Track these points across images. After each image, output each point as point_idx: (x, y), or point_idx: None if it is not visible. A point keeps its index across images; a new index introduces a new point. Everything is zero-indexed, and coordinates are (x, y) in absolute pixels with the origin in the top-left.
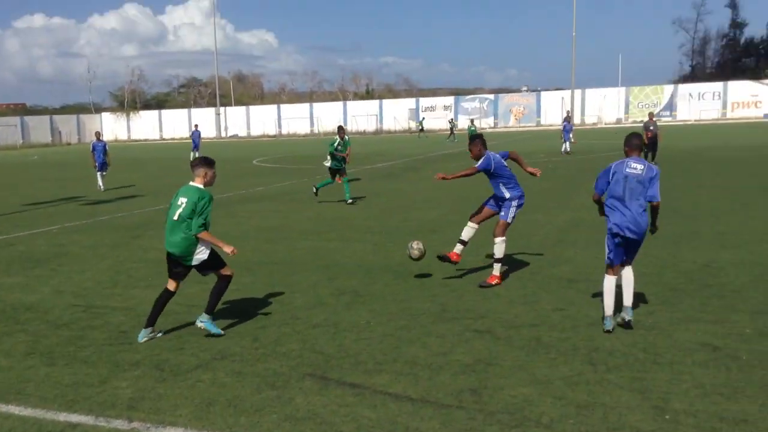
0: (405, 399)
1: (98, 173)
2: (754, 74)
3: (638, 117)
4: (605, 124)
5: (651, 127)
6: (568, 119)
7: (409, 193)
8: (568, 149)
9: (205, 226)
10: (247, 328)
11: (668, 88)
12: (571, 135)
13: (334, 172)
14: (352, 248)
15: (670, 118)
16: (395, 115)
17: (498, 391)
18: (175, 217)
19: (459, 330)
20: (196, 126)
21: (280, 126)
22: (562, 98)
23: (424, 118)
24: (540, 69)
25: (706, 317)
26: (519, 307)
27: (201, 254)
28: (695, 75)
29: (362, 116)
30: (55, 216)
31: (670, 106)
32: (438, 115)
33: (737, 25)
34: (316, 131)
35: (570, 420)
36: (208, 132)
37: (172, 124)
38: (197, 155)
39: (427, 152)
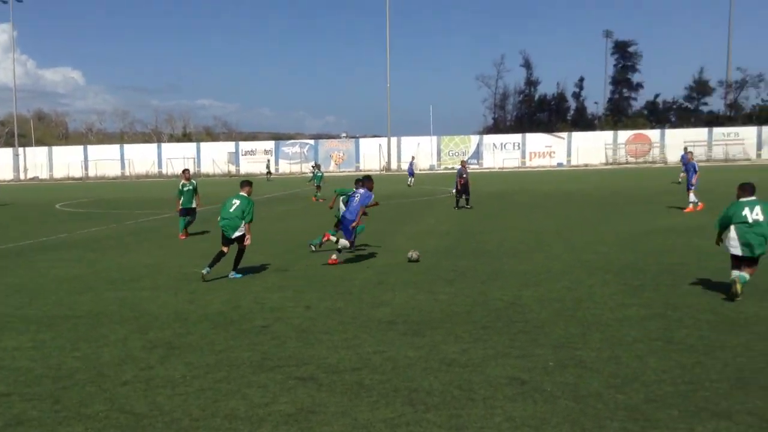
0: None
1: None
2: (548, 127)
3: (449, 164)
4: (420, 170)
5: (464, 174)
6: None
7: None
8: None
9: (251, 220)
10: (46, 389)
11: (475, 138)
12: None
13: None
14: (165, 297)
15: (477, 166)
16: (214, 158)
17: None
18: (232, 210)
19: (281, 378)
20: None
21: (86, 168)
22: (380, 145)
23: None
24: (358, 116)
25: (514, 352)
26: (341, 352)
27: (238, 233)
28: (498, 127)
29: (178, 159)
30: None
31: (477, 155)
32: (258, 159)
33: (531, 83)
34: (127, 174)
35: None
36: (4, 174)
37: None
38: None
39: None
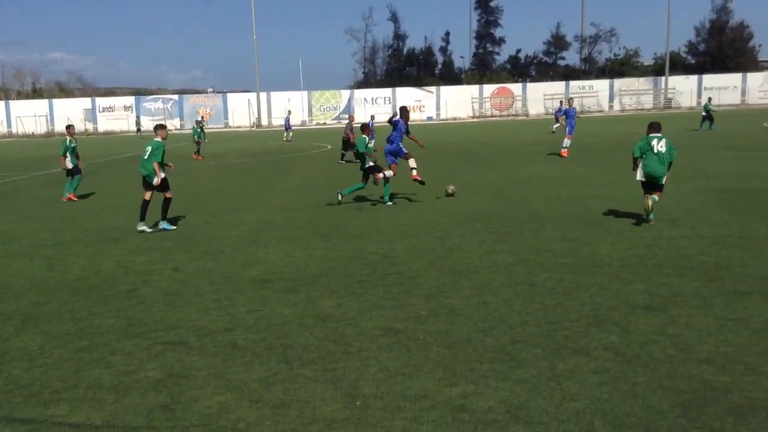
0: (88, 427)
1: None
2: (417, 82)
3: (321, 119)
4: (292, 125)
5: (350, 130)
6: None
7: (90, 200)
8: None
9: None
10: None
11: (346, 93)
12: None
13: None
14: (19, 265)
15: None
16: (69, 115)
17: (192, 404)
18: (146, 157)
19: (148, 344)
20: None
21: None
22: (249, 100)
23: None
24: (225, 71)
25: (388, 304)
26: (213, 313)
27: (156, 180)
28: (368, 81)
29: (29, 117)
30: None
31: (348, 109)
32: (118, 116)
33: (399, 37)
34: None
35: (267, 422)
36: None
37: None
38: None
39: (108, 155)
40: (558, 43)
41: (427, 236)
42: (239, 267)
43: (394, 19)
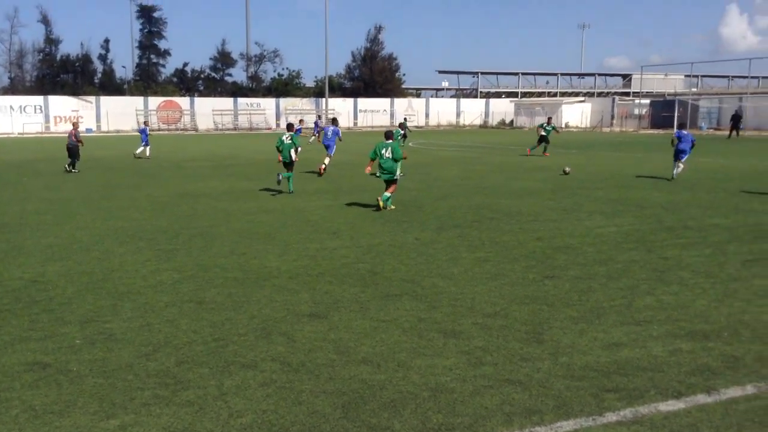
0: None
1: None
2: (74, 90)
3: None
4: None
5: (77, 138)
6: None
7: None
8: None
9: None
10: None
11: None
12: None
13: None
14: None
15: None
16: None
17: None
18: None
19: None
20: None
21: None
22: None
23: None
24: None
25: (35, 335)
26: None
27: None
28: (15, 87)
29: None
30: None
31: None
32: None
33: (52, 41)
34: None
35: None
36: None
37: None
38: None
39: None
40: (224, 59)
41: (83, 257)
42: None
43: (45, 21)
